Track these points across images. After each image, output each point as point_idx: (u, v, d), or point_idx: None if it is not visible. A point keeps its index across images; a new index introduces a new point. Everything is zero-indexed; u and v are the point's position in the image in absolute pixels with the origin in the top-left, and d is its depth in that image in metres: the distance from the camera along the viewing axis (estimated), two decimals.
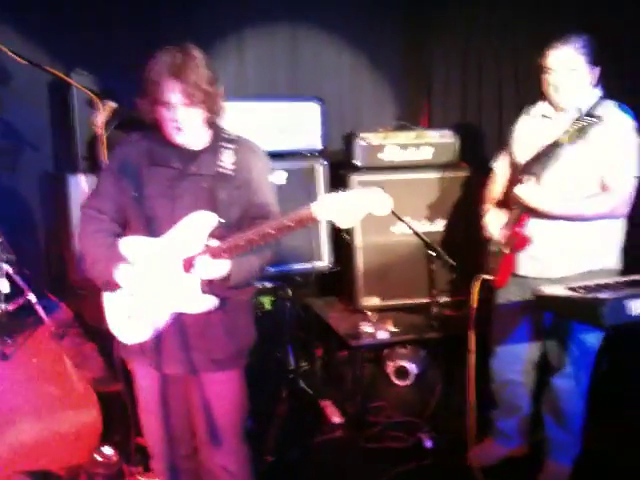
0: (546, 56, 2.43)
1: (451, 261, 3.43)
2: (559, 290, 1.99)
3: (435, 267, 3.44)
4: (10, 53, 2.85)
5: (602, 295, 1.81)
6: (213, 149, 2.01)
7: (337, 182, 3.59)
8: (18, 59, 2.89)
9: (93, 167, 3.28)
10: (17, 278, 3.07)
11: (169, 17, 3.82)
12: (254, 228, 1.85)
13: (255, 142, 2.09)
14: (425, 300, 3.52)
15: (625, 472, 2.68)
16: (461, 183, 3.59)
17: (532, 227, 2.50)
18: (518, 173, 2.56)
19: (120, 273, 1.97)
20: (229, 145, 2.00)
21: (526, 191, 2.42)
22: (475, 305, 2.57)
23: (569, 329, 2.55)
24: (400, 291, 3.59)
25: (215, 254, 1.88)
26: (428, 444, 3.02)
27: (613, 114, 2.38)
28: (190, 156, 2.00)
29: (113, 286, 2.00)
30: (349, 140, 3.63)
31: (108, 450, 2.75)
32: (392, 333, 3.38)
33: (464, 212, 3.57)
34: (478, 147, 3.92)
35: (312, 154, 3.63)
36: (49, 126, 3.62)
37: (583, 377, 2.63)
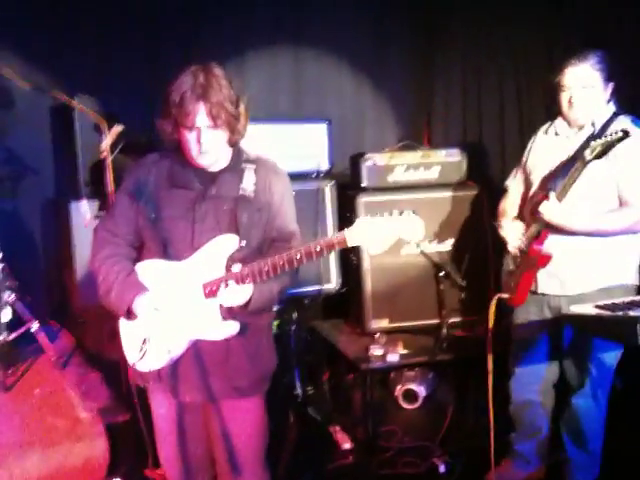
0: (562, 73, 2.42)
1: (461, 281, 3.40)
2: (588, 309, 1.96)
3: (444, 287, 3.42)
4: (16, 78, 2.81)
5: (635, 313, 1.78)
6: (233, 170, 1.97)
7: (344, 203, 3.56)
8: (24, 83, 2.85)
9: (96, 192, 3.23)
10: (19, 305, 3.00)
11: (171, 40, 3.79)
12: (280, 252, 1.81)
13: (276, 162, 2.06)
14: (435, 321, 3.47)
15: None
16: (469, 202, 3.55)
17: (550, 243, 2.48)
18: (536, 190, 2.56)
19: (139, 304, 1.90)
20: (249, 166, 1.96)
21: (550, 208, 2.39)
22: (491, 326, 2.54)
23: (589, 348, 2.52)
24: (409, 313, 3.53)
25: (239, 279, 1.83)
26: (442, 469, 2.96)
27: (634, 129, 2.36)
28: (210, 178, 1.95)
29: (129, 315, 1.93)
30: (356, 161, 3.59)
31: None
32: (402, 356, 3.31)
33: (473, 231, 3.53)
34: (482, 164, 3.91)
35: (319, 175, 3.60)
36: (51, 151, 3.57)
37: (602, 396, 2.60)
